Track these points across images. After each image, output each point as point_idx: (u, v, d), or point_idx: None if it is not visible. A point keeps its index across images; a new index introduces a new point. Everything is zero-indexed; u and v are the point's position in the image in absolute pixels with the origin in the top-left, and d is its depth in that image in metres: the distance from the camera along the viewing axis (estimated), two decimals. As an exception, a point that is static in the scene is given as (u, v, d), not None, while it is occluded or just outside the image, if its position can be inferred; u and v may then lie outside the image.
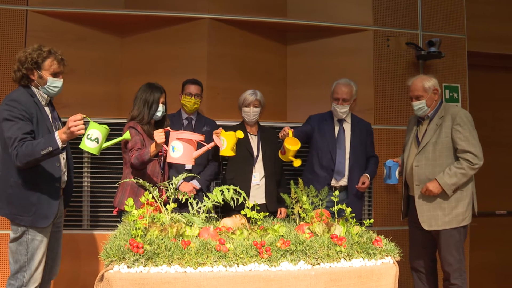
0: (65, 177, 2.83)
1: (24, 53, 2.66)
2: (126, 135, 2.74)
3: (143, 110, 3.11)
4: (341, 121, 3.57)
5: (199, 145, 2.81)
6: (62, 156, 2.79)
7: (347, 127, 3.58)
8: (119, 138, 2.77)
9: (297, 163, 3.06)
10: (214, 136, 2.81)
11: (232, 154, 3.01)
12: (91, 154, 3.86)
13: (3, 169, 2.64)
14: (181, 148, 2.58)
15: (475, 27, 4.61)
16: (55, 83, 2.70)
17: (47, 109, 2.75)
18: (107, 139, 2.59)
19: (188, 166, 3.36)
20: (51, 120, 2.75)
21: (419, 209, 3.20)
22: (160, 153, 3.04)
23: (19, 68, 2.66)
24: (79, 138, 2.53)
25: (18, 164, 2.50)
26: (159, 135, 2.81)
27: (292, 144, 3.02)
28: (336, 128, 3.56)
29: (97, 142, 2.46)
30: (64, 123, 2.55)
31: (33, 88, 2.70)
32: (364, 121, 3.69)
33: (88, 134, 2.45)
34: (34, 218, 2.61)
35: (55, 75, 2.70)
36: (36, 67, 2.65)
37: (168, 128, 2.80)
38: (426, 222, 3.17)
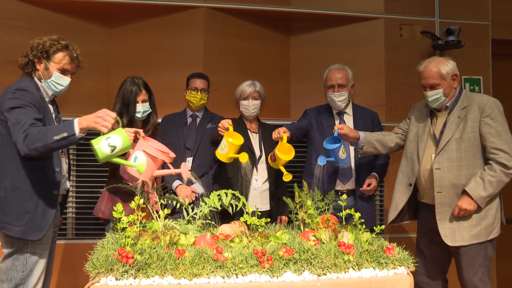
0: (67, 184, 2.80)
1: (39, 40, 2.64)
2: (140, 167, 2.44)
3: (123, 110, 3.12)
4: (341, 114, 3.46)
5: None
6: (65, 161, 2.75)
7: (349, 119, 3.45)
8: (131, 164, 2.47)
9: (287, 177, 2.86)
10: (182, 167, 2.60)
11: (228, 161, 2.97)
12: (78, 156, 3.93)
13: None
14: (143, 162, 2.44)
15: (501, 11, 4.54)
16: (60, 80, 2.66)
17: (51, 107, 2.72)
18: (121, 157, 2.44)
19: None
20: (54, 119, 2.70)
21: (441, 221, 2.89)
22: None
23: (27, 54, 2.63)
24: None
25: (24, 150, 2.37)
26: (128, 134, 2.66)
27: (284, 152, 2.85)
28: (336, 122, 3.43)
29: (112, 151, 2.30)
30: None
31: (36, 80, 2.66)
32: (368, 110, 3.57)
33: (109, 137, 2.30)
34: (26, 228, 2.50)
35: (63, 72, 2.66)
36: (46, 57, 2.62)
37: (141, 131, 2.65)
38: (449, 236, 2.86)
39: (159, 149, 2.51)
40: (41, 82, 2.66)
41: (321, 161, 2.86)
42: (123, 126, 2.43)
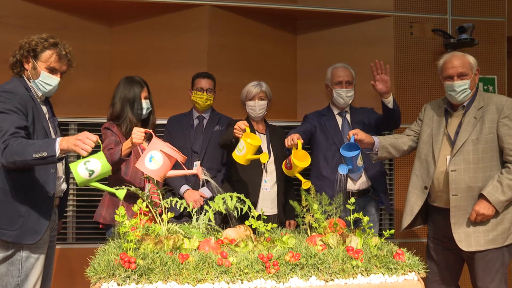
0: (64, 186, 2.80)
1: (27, 39, 2.63)
2: (119, 193, 2.47)
3: (125, 109, 3.11)
4: (341, 114, 3.59)
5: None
6: (62, 162, 2.73)
7: (350, 117, 3.59)
8: (109, 189, 2.50)
9: (306, 185, 2.82)
10: (198, 168, 2.70)
11: (246, 164, 2.98)
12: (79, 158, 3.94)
13: None
14: (160, 162, 2.47)
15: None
16: (48, 80, 2.63)
17: (44, 108, 2.70)
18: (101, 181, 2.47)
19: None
20: (48, 120, 2.69)
21: (455, 225, 2.87)
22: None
23: (15, 53, 2.64)
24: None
25: (2, 161, 2.37)
26: (139, 133, 2.71)
27: (300, 159, 2.86)
28: (339, 122, 3.55)
29: (90, 175, 2.34)
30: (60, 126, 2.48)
31: (26, 81, 2.64)
32: (363, 107, 3.71)
33: (88, 161, 2.34)
34: (21, 233, 2.50)
35: (52, 71, 2.64)
36: (33, 56, 2.61)
37: (151, 131, 2.70)
38: (464, 241, 2.84)
39: (174, 149, 2.54)
40: (30, 82, 2.65)
41: (342, 170, 2.82)
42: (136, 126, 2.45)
